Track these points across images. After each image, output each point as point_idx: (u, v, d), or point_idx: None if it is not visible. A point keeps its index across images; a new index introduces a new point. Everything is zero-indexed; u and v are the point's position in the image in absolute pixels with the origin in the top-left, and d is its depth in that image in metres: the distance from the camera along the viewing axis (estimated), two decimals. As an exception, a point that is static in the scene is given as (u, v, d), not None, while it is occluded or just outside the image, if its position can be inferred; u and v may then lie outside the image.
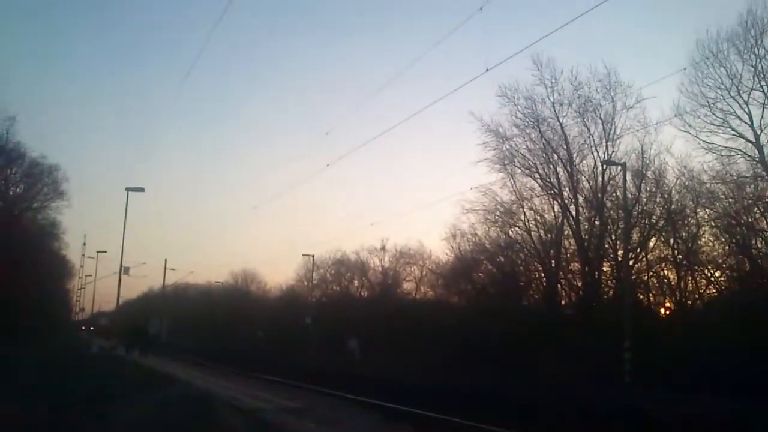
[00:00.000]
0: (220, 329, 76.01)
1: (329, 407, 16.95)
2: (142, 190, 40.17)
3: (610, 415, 16.13)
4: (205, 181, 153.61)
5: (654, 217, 32.99)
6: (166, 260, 72.28)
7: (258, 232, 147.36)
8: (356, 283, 64.37)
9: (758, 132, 27.98)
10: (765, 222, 28.25)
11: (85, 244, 68.39)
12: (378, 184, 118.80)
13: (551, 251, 37.62)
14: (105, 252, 62.82)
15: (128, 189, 39.58)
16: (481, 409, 16.03)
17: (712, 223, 30.57)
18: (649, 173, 33.27)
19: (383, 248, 59.16)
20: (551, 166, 36.45)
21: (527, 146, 36.99)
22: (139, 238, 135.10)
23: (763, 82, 27.66)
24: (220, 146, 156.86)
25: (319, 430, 13.27)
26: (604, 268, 35.20)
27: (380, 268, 60.42)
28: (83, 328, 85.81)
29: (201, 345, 68.60)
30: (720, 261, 30.53)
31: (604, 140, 34.69)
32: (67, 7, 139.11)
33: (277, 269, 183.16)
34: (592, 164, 35.44)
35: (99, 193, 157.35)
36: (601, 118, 34.72)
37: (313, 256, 62.27)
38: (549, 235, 37.83)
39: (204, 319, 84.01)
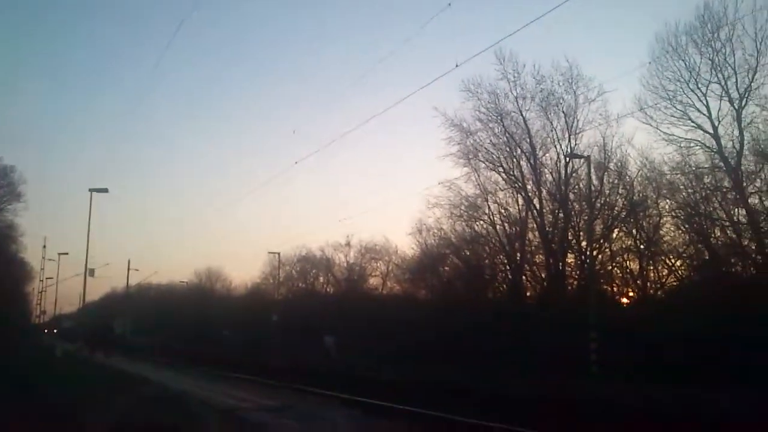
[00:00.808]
0: (185, 328, 75.22)
1: (308, 404, 17.02)
2: (105, 191, 39.49)
3: (579, 406, 16.39)
4: (169, 180, 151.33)
5: (616, 208, 33.65)
6: (129, 261, 71.30)
7: (223, 231, 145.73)
8: (321, 279, 64.31)
9: (716, 123, 28.74)
10: (723, 212, 28.95)
11: (45, 246, 66.99)
12: (345, 181, 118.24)
13: (516, 244, 38.14)
14: (67, 254, 61.42)
15: (92, 190, 38.94)
16: (455, 402, 16.26)
17: (673, 213, 31.34)
18: (611, 165, 33.97)
19: (348, 244, 59.01)
20: (515, 160, 36.90)
21: (491, 140, 37.37)
22: (102, 239, 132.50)
23: (720, 75, 28.39)
24: (185, 145, 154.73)
25: (302, 428, 13.31)
26: (568, 260, 35.78)
27: (345, 264, 60.37)
28: (45, 331, 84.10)
29: (166, 345, 67.83)
30: (680, 250, 31.32)
31: (566, 133, 35.28)
32: (28, 6, 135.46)
33: (242, 267, 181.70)
34: (555, 157, 36.02)
35: (60, 195, 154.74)
36: (563, 112, 35.33)
37: (279, 253, 62.02)
38: (513, 228, 38.36)
39: (169, 319, 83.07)
